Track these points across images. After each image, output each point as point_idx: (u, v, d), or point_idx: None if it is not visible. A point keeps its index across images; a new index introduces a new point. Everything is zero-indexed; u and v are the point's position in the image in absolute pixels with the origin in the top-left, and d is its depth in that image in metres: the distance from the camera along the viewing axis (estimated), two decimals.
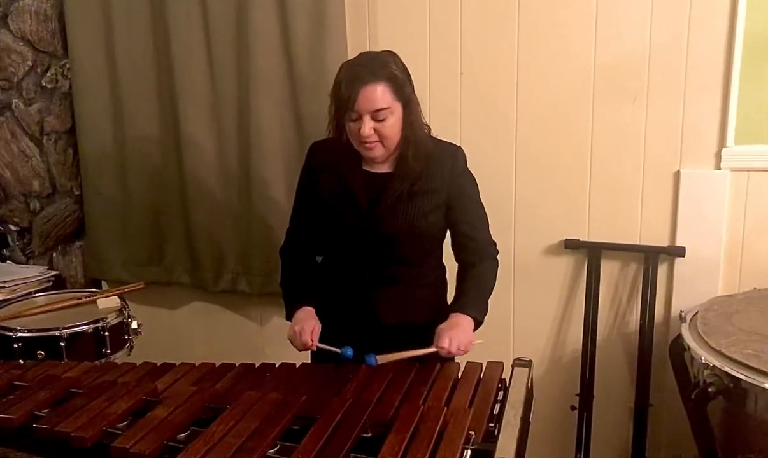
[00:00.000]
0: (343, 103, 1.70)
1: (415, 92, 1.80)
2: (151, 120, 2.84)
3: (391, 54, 1.79)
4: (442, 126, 2.53)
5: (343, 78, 1.70)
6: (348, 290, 1.90)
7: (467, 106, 2.53)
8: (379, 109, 1.69)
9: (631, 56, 2.33)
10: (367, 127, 1.69)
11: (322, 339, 1.83)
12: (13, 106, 3.12)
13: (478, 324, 1.80)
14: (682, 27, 2.26)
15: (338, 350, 1.78)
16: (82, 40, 2.85)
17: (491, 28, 2.45)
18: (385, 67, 1.70)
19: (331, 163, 1.86)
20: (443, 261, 1.98)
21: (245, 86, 2.64)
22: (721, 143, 2.29)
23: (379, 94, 1.68)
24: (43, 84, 3.06)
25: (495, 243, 1.94)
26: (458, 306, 1.80)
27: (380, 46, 2.54)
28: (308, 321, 1.83)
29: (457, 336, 1.71)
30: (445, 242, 1.96)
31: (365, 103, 1.68)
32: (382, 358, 1.71)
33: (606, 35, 2.34)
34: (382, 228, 1.80)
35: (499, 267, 1.93)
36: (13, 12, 3.02)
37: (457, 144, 1.91)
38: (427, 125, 1.87)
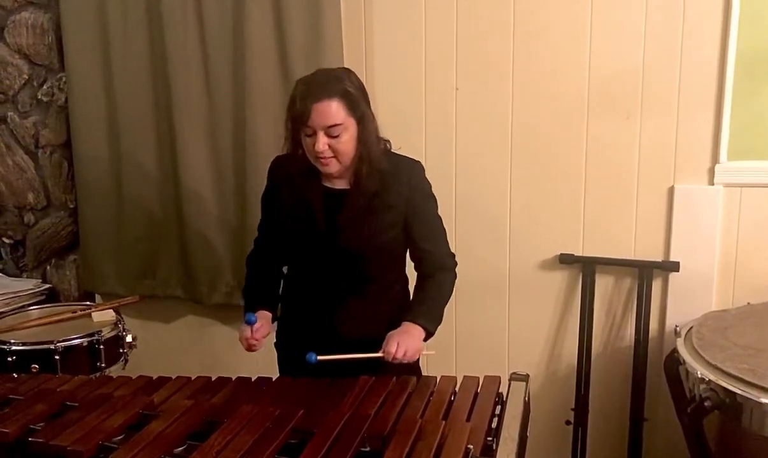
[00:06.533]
0: (298, 118, 1.73)
1: (371, 109, 1.81)
2: (147, 133, 2.83)
3: (347, 71, 1.81)
4: (437, 141, 2.57)
5: (298, 94, 1.73)
6: (310, 303, 1.91)
7: (462, 122, 2.54)
8: (332, 125, 1.70)
9: (625, 73, 2.35)
10: (321, 142, 1.71)
11: (286, 348, 1.93)
12: (8, 119, 3.12)
13: (429, 334, 1.82)
14: (675, 44, 2.29)
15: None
16: (78, 53, 2.85)
17: (487, 44, 2.47)
18: (339, 83, 1.72)
19: (291, 178, 1.87)
20: (406, 273, 1.99)
21: (241, 100, 2.64)
22: (714, 159, 2.31)
23: (333, 110, 1.70)
24: (39, 97, 3.06)
25: (453, 256, 1.95)
26: (410, 315, 1.81)
27: (376, 60, 2.58)
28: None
29: (404, 342, 1.72)
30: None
31: (319, 119, 1.69)
32: (324, 357, 1.74)
33: (600, 52, 2.37)
34: (341, 244, 1.82)
35: (456, 278, 1.94)
36: (9, 25, 3.02)
37: (417, 159, 1.90)
38: (386, 140, 1.88)
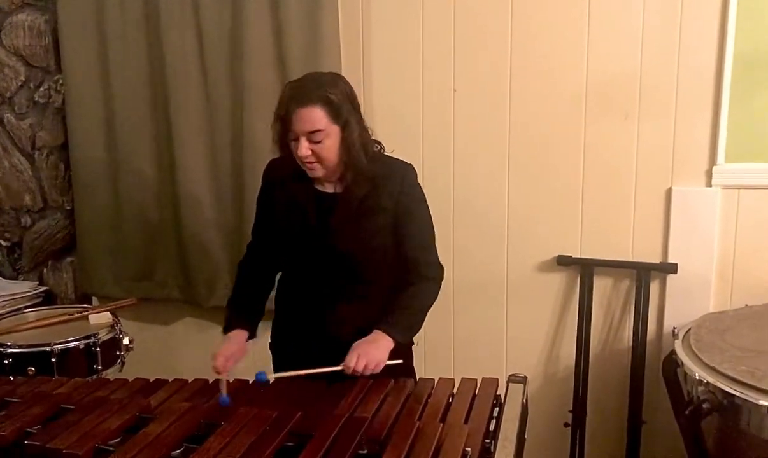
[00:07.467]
0: (283, 122, 1.73)
1: (361, 115, 1.79)
2: (144, 135, 2.83)
3: (335, 76, 1.80)
4: (434, 143, 2.57)
5: (284, 98, 1.73)
6: (304, 305, 1.91)
7: (460, 124, 2.54)
8: (313, 131, 1.70)
9: (623, 75, 2.35)
10: (303, 147, 1.71)
11: (281, 354, 1.92)
12: (5, 120, 3.11)
13: (398, 344, 1.79)
14: (672, 46, 2.29)
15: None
16: (75, 55, 2.85)
17: (484, 46, 2.47)
18: (322, 89, 1.71)
19: (285, 181, 1.87)
20: None
21: (239, 101, 2.64)
22: (712, 161, 2.31)
23: (314, 117, 1.69)
24: (36, 99, 3.06)
25: (441, 267, 1.92)
26: (382, 325, 1.79)
27: (374, 62, 2.57)
28: (227, 347, 1.84)
29: (367, 354, 1.70)
30: None
31: (300, 124, 1.70)
32: (280, 375, 1.73)
33: (598, 54, 2.37)
34: (333, 247, 1.81)
35: (440, 289, 1.91)
36: (6, 27, 3.02)
37: (413, 161, 1.89)
38: (378, 143, 1.87)
